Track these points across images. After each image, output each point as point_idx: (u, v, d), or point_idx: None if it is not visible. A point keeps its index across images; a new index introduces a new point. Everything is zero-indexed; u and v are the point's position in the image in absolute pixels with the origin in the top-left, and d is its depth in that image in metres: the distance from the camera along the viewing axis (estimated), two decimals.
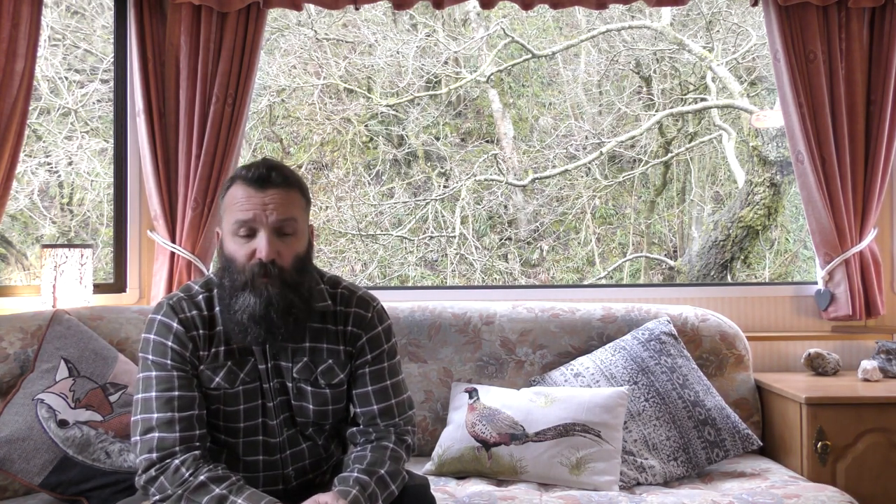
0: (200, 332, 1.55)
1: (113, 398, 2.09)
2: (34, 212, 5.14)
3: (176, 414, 1.49)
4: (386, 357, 1.65)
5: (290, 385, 1.60)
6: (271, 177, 1.50)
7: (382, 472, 1.53)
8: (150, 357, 1.53)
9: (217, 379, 1.56)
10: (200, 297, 1.58)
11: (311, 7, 3.62)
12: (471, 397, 2.27)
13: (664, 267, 6.09)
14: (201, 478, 1.44)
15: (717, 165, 6.30)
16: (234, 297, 1.50)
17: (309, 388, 1.60)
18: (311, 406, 1.61)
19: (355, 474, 1.51)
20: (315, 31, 5.91)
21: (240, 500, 1.41)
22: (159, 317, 1.55)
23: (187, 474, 1.44)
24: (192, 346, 1.54)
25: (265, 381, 1.59)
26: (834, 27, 2.69)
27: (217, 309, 1.57)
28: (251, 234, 1.49)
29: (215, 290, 1.58)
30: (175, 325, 1.53)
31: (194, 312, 1.55)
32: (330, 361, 1.61)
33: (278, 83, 5.89)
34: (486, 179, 6.04)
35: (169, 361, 1.52)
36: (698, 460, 2.22)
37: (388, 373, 1.65)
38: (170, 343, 1.52)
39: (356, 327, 1.63)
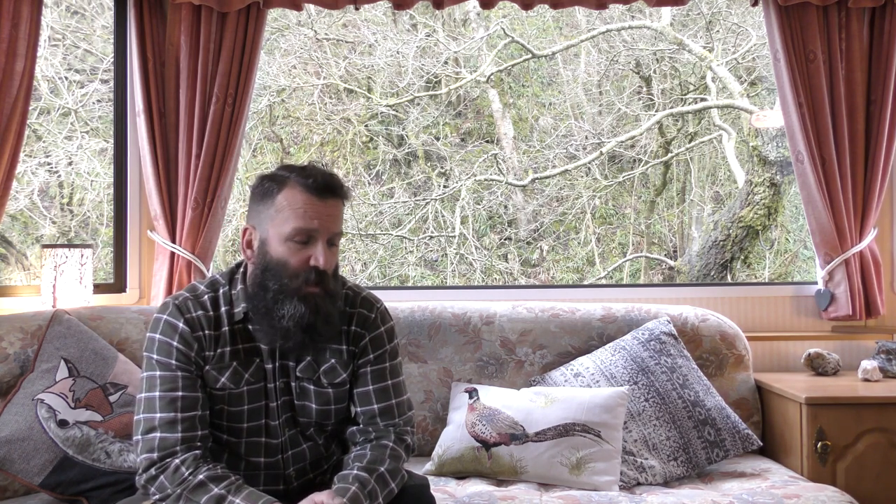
0: (206, 332, 1.55)
1: (113, 398, 2.09)
2: (34, 212, 5.14)
3: (179, 414, 1.49)
4: (388, 357, 1.66)
5: (293, 384, 1.61)
6: (333, 187, 1.52)
7: (382, 469, 1.53)
8: (155, 356, 1.53)
9: (222, 379, 1.56)
10: (206, 297, 1.58)
11: (311, 7, 3.63)
12: (471, 397, 2.27)
13: (664, 267, 6.09)
14: (200, 477, 1.44)
15: (717, 165, 6.30)
16: (280, 303, 1.49)
17: (312, 388, 1.61)
18: (313, 405, 1.61)
19: (355, 472, 1.51)
20: (315, 31, 5.91)
21: (238, 500, 1.41)
22: (165, 316, 1.54)
23: (187, 473, 1.44)
24: (198, 347, 1.54)
25: (270, 381, 1.59)
26: (834, 27, 2.69)
27: (223, 309, 1.57)
28: (306, 242, 1.50)
29: (221, 291, 1.58)
30: (181, 325, 1.53)
31: (200, 313, 1.55)
32: (333, 361, 1.61)
33: (278, 83, 5.88)
34: (486, 179, 6.04)
35: (173, 361, 1.52)
36: (698, 460, 2.22)
37: (389, 373, 1.65)
38: (175, 343, 1.52)
39: (359, 327, 1.63)
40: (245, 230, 1.57)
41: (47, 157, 5.16)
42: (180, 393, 1.50)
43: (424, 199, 6.06)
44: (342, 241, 1.78)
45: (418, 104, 6.10)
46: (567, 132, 6.13)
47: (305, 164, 1.58)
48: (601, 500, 1.98)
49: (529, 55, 5.75)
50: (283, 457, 1.62)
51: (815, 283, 2.86)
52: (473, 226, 6.05)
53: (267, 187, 1.53)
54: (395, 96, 6.04)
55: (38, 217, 5.16)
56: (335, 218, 1.52)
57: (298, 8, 2.74)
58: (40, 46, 2.61)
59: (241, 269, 1.60)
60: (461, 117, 6.42)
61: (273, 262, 1.50)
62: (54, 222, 5.27)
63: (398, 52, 5.94)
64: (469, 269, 5.96)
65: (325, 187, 1.50)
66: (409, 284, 5.79)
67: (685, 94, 6.03)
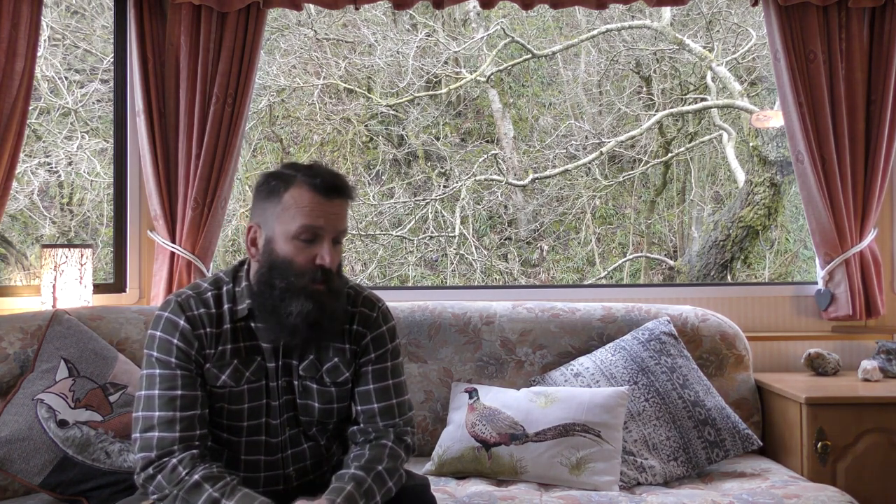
0: (207, 330, 1.54)
1: (113, 398, 2.09)
2: (34, 212, 5.14)
3: (177, 413, 1.49)
4: (389, 357, 1.66)
5: (296, 383, 1.61)
6: (339, 187, 1.53)
7: (380, 468, 1.53)
8: (155, 354, 1.52)
9: (223, 377, 1.56)
10: (209, 294, 1.57)
11: (311, 7, 3.63)
12: (471, 397, 2.27)
13: (664, 267, 6.09)
14: (196, 477, 1.43)
15: (717, 165, 6.31)
16: (287, 300, 1.50)
17: (315, 386, 1.61)
18: (316, 404, 1.62)
19: (352, 471, 1.51)
20: (315, 31, 5.92)
21: None
22: (166, 314, 1.54)
23: (184, 473, 1.44)
24: (198, 345, 1.53)
25: (271, 380, 1.59)
26: (834, 27, 2.69)
27: (226, 307, 1.57)
28: (312, 240, 1.50)
29: (224, 288, 1.58)
30: (182, 322, 1.53)
31: (202, 310, 1.55)
32: (336, 360, 1.61)
33: (278, 83, 5.89)
34: (486, 179, 6.04)
35: (173, 360, 1.52)
36: (698, 460, 2.22)
37: (390, 372, 1.65)
38: (175, 341, 1.52)
39: (361, 326, 1.64)
40: (250, 228, 1.57)
41: (47, 157, 5.17)
42: (179, 392, 1.50)
43: (424, 199, 6.07)
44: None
45: (418, 104, 6.10)
46: (567, 132, 6.14)
47: (311, 162, 1.58)
48: (601, 500, 1.98)
49: (529, 55, 5.75)
50: (282, 456, 1.62)
51: (816, 283, 2.86)
52: (473, 226, 6.06)
53: (273, 185, 1.53)
54: (395, 96, 6.05)
55: (38, 217, 5.17)
56: (340, 217, 1.53)
57: (298, 8, 2.74)
58: (40, 46, 2.61)
59: (245, 267, 1.60)
60: (461, 117, 6.42)
61: (279, 260, 1.51)
62: (54, 222, 5.27)
63: (398, 52, 5.94)
64: (469, 269, 5.97)
65: (332, 187, 1.51)
66: (409, 284, 5.79)
67: (685, 94, 6.04)
